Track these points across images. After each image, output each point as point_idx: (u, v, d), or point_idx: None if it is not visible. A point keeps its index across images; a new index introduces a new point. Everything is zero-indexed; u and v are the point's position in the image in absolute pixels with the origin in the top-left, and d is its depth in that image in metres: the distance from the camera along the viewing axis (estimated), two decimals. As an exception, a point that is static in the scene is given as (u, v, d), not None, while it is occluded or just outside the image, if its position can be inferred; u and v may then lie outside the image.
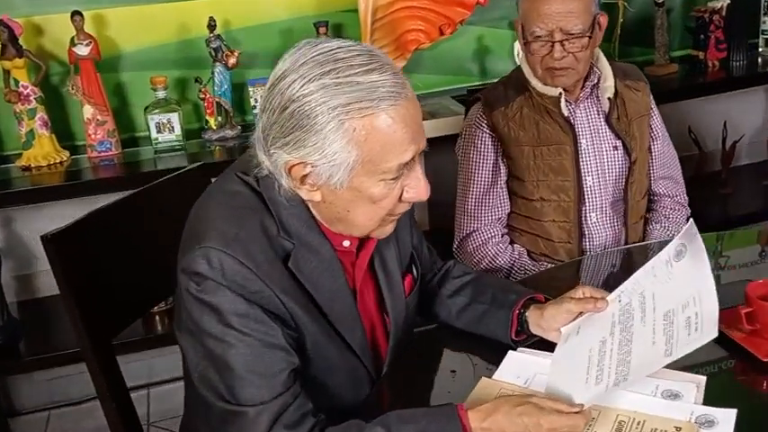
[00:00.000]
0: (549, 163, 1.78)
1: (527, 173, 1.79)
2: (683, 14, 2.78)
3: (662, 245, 1.17)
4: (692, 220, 1.10)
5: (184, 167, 1.65)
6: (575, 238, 1.81)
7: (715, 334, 0.96)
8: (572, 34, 1.66)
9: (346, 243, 1.18)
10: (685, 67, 2.71)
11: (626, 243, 1.85)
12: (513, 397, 1.07)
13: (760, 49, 2.79)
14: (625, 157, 1.81)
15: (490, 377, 1.22)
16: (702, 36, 2.65)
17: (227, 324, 1.06)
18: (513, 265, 1.83)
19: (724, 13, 2.63)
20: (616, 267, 1.76)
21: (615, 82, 1.79)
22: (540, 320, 1.26)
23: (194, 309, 1.07)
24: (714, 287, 1.01)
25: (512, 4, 2.61)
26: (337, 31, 2.46)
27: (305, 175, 1.07)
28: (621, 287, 1.20)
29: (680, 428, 1.05)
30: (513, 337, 1.29)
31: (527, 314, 1.28)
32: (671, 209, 1.94)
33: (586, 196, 1.80)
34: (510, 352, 1.28)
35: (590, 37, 1.68)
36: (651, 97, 1.89)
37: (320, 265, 1.14)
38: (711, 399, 1.11)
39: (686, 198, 1.98)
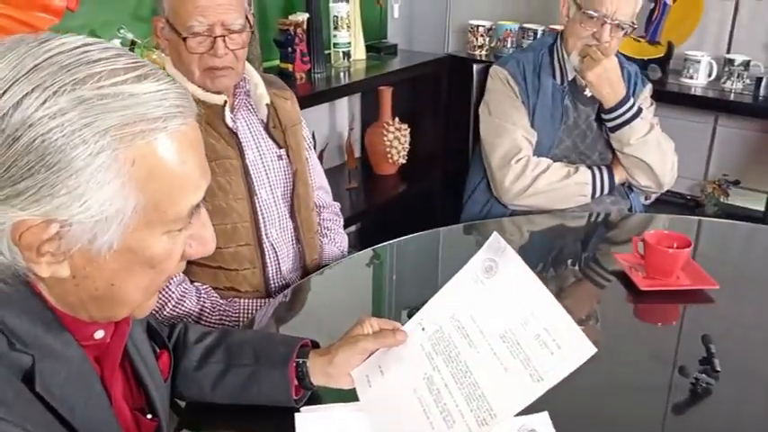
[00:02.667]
0: (219, 182, 1.54)
1: (196, 196, 1.52)
2: (265, 27, 2.76)
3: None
4: (495, 233, 1.03)
5: None
6: (258, 263, 1.61)
7: (593, 350, 0.89)
8: (232, 30, 1.49)
9: (99, 334, 0.82)
10: (277, 79, 2.69)
11: (303, 260, 1.71)
12: None
13: (333, 62, 2.94)
14: (289, 167, 1.68)
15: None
16: (290, 49, 2.67)
17: None
18: (203, 306, 1.54)
19: (305, 27, 2.69)
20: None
21: (267, 90, 1.65)
22: (329, 367, 1.07)
23: None
24: (553, 299, 0.94)
25: (93, 10, 2.28)
26: None
27: (46, 240, 0.68)
28: (419, 314, 1.08)
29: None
30: (294, 396, 1.06)
31: (308, 364, 1.07)
32: (330, 220, 1.89)
33: (261, 214, 1.61)
34: (297, 415, 1.06)
35: (252, 32, 1.54)
36: (298, 107, 1.80)
37: (70, 375, 0.76)
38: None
39: (338, 205, 1.95)
